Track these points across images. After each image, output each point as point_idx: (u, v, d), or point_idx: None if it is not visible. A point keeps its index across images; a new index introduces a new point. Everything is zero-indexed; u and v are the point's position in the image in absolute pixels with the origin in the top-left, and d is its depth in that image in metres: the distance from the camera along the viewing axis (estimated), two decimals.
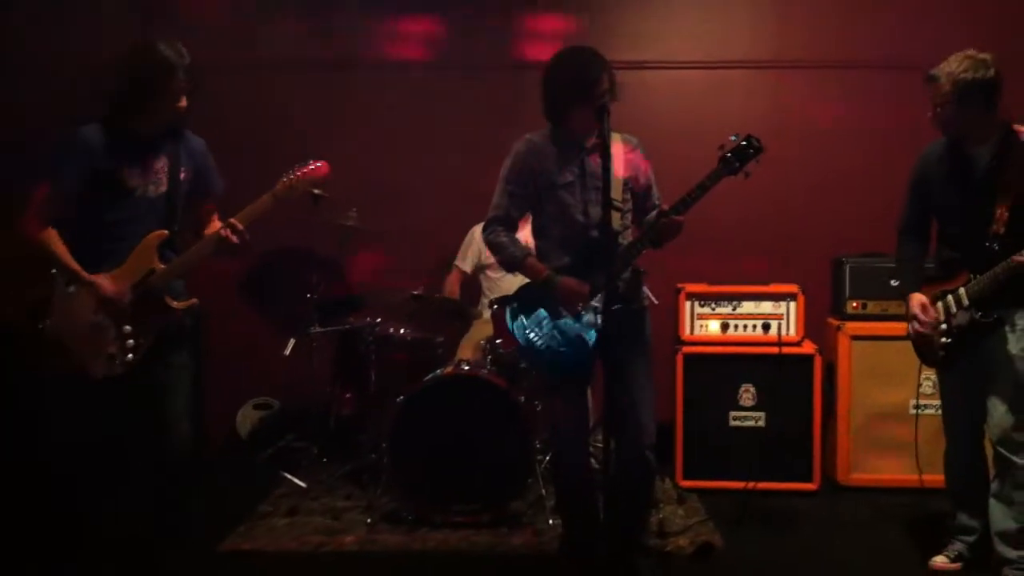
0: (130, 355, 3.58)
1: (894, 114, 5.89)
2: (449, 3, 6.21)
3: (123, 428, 3.68)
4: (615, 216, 3.61)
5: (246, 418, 6.11)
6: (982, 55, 3.73)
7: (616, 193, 3.65)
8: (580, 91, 3.61)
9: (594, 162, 3.70)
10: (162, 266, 3.64)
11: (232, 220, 3.64)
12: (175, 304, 3.68)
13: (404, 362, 5.10)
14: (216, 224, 3.84)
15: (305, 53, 6.13)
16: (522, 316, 3.79)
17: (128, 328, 3.58)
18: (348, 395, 5.44)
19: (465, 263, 5.61)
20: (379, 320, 5.22)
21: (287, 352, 5.35)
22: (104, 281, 3.55)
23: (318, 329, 5.37)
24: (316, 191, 5.18)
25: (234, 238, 3.63)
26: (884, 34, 6.04)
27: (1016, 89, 3.89)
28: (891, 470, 5.19)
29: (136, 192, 3.60)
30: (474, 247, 5.55)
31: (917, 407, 4.91)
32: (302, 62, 6.11)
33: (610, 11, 6.15)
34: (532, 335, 3.74)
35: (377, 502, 4.81)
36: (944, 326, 3.89)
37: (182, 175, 3.72)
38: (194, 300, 3.75)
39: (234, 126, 5.93)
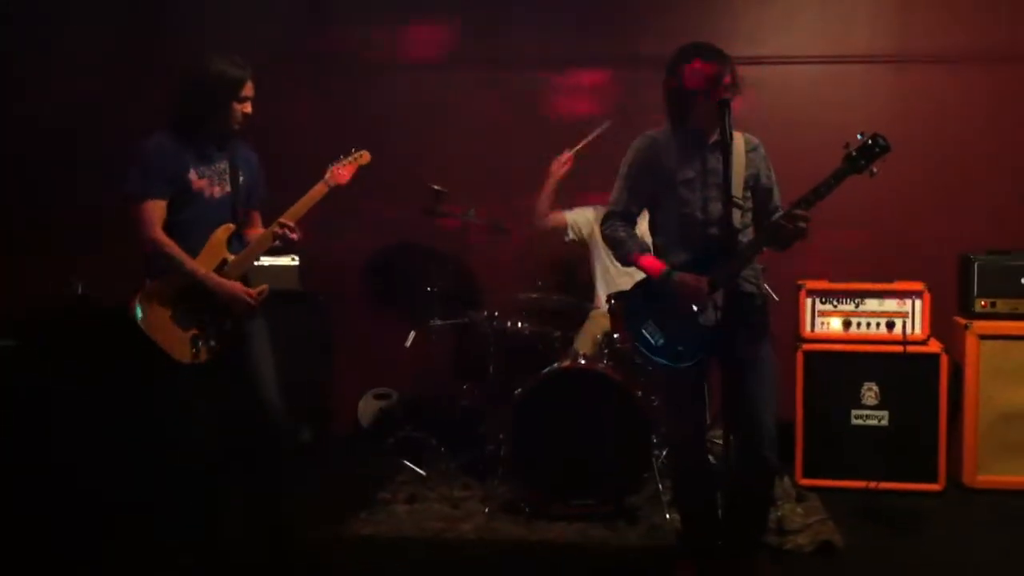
0: (212, 342, 3.78)
1: (1017, 109, 5.72)
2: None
3: (218, 414, 3.89)
4: (735, 214, 3.59)
5: (367, 408, 6.27)
6: None
7: (736, 191, 3.62)
8: (703, 87, 3.60)
9: (715, 159, 3.69)
10: (233, 257, 3.87)
11: (283, 219, 3.85)
12: (250, 292, 3.88)
13: (522, 355, 5.16)
14: (258, 226, 4.08)
15: (415, 52, 6.26)
16: (637, 311, 3.80)
17: (209, 317, 3.80)
18: (467, 387, 5.53)
19: (575, 221, 5.55)
20: (497, 313, 5.29)
21: (408, 344, 5.46)
22: (215, 278, 3.80)
23: (438, 322, 5.47)
24: (436, 187, 5.31)
25: (292, 235, 3.83)
26: (1008, 26, 5.84)
27: None
28: (1020, 472, 5.05)
29: (204, 193, 3.84)
30: (580, 218, 5.53)
31: None
32: (404, 62, 6.24)
33: (727, 6, 6.10)
34: (648, 331, 3.75)
35: (495, 492, 4.89)
36: None
37: (241, 179, 3.96)
38: (264, 286, 3.95)
39: (350, 122, 6.11)
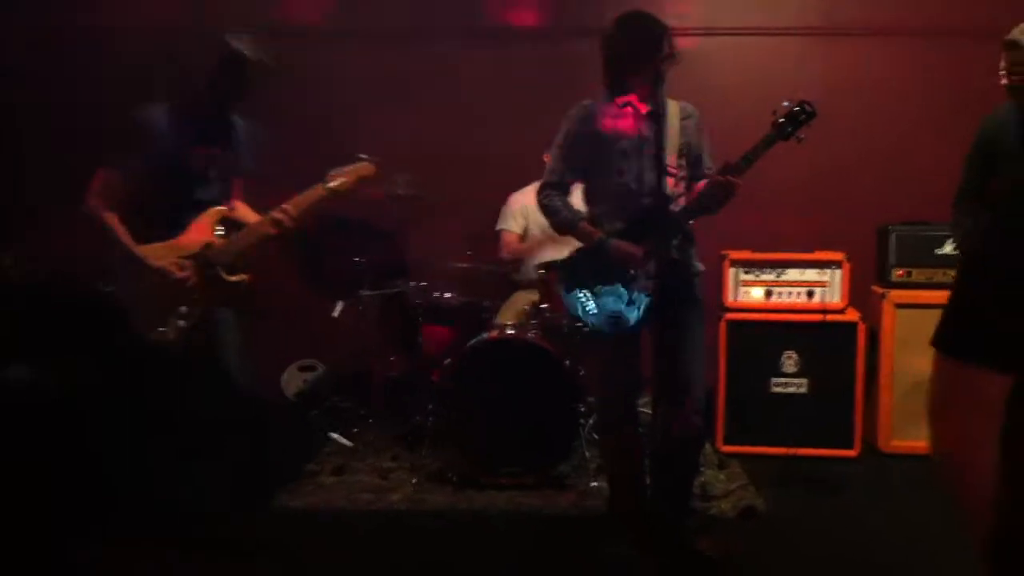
0: (182, 322, 3.70)
1: (943, 82, 5.86)
2: None
3: (183, 394, 3.82)
4: (669, 182, 3.63)
5: (291, 379, 6.22)
6: None
7: (670, 160, 3.67)
8: (643, 56, 3.62)
9: (649, 127, 3.72)
10: (220, 241, 3.78)
11: (286, 206, 3.78)
12: (229, 278, 3.80)
13: (451, 326, 5.16)
14: (243, 207, 4.02)
15: (356, 23, 6.16)
16: (574, 280, 3.82)
17: (182, 297, 3.72)
18: (394, 358, 5.52)
19: (515, 225, 5.63)
20: (425, 284, 5.28)
21: (335, 314, 5.43)
22: (151, 253, 3.71)
23: (366, 292, 5.44)
24: (362, 156, 5.25)
25: (288, 223, 3.77)
26: (933, 2, 5.97)
27: None
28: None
29: (198, 175, 3.77)
30: (519, 210, 5.58)
31: None
32: (351, 32, 6.14)
33: None
34: (584, 298, 3.77)
35: (423, 463, 4.90)
36: None
37: (233, 158, 3.90)
38: (245, 276, 3.89)
39: (283, 98, 5.99)
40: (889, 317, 5.27)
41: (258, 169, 4.04)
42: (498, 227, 5.67)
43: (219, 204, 3.86)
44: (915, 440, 5.24)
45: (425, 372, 5.15)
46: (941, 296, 5.01)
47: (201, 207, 3.80)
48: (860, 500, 4.70)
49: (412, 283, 5.32)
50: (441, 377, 4.76)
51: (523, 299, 5.29)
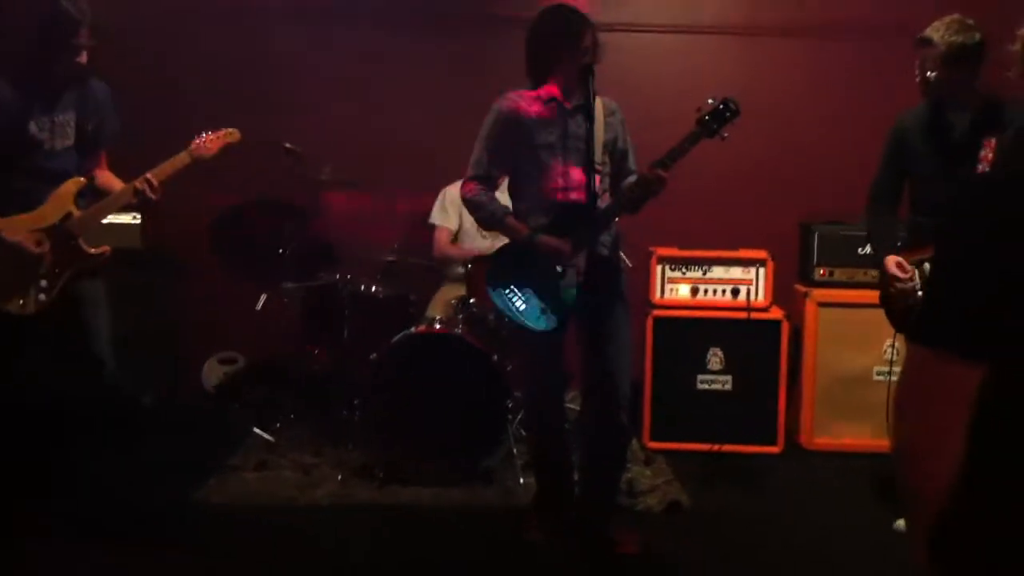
0: (42, 295, 3.68)
1: (863, 81, 5.95)
2: None
3: (48, 369, 3.79)
4: (595, 178, 3.62)
5: (211, 372, 6.09)
6: (969, 20, 3.79)
7: (596, 155, 3.66)
8: (565, 48, 3.61)
9: (575, 123, 3.71)
10: (79, 212, 3.77)
11: (148, 175, 3.74)
12: (90, 250, 3.76)
13: (377, 319, 5.10)
14: (107, 175, 3.96)
15: (284, 2, 6.06)
16: (500, 275, 3.79)
17: (40, 270, 3.69)
18: (318, 351, 5.43)
19: (449, 221, 5.57)
20: (351, 276, 5.21)
21: (259, 307, 5.33)
22: (5, 226, 3.66)
23: (290, 284, 5.35)
24: (288, 145, 5.17)
25: (151, 193, 3.73)
26: (855, 3, 6.06)
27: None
28: (853, 435, 5.30)
29: (44, 145, 3.72)
30: (452, 205, 5.53)
31: (886, 373, 5.01)
32: (273, 11, 6.03)
33: None
34: (510, 294, 3.75)
35: (347, 457, 4.84)
36: (920, 292, 3.94)
37: (89, 127, 3.84)
38: (106, 248, 3.86)
39: (195, 74, 5.89)
40: (812, 315, 5.34)
41: (122, 136, 4.00)
42: (431, 221, 5.61)
43: (78, 174, 3.80)
44: (836, 437, 5.34)
45: (350, 366, 5.07)
46: (863, 295, 5.23)
47: (58, 178, 3.74)
48: (783, 495, 4.75)
49: (338, 275, 5.24)
50: (366, 371, 4.69)
51: (451, 292, 5.25)
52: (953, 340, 1.52)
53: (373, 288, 5.17)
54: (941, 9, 3.89)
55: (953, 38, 3.75)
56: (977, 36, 3.76)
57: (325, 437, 5.21)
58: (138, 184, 3.75)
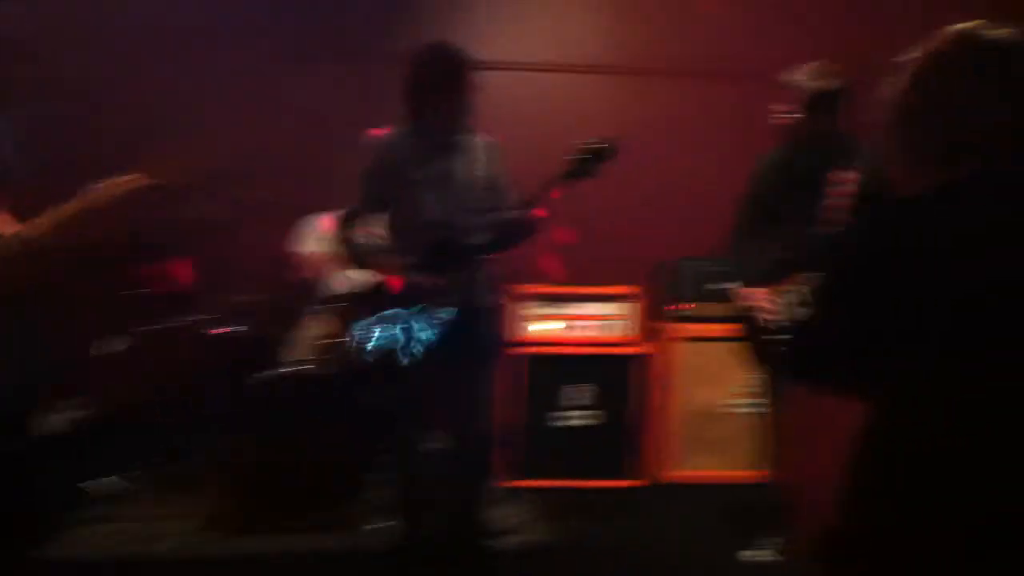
0: None
1: (726, 121, 6.06)
2: None
3: None
4: (469, 215, 3.58)
5: (56, 419, 5.74)
6: (833, 65, 3.92)
7: (472, 192, 3.63)
8: (444, 85, 3.56)
9: (451, 160, 3.66)
10: None
11: (38, 221, 3.46)
12: None
13: (236, 360, 4.89)
14: (6, 214, 3.68)
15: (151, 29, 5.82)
16: (367, 312, 3.70)
17: None
18: (170, 395, 5.17)
19: (310, 247, 5.38)
20: (207, 317, 4.98)
21: (106, 351, 5.04)
22: None
23: (143, 328, 5.08)
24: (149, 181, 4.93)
25: (39, 242, 3.46)
26: (719, 43, 6.18)
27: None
28: (713, 467, 5.36)
29: None
30: (318, 235, 5.35)
31: (744, 405, 5.10)
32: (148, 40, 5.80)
33: (456, 10, 6.09)
34: (377, 332, 3.66)
35: (201, 507, 4.61)
36: (785, 324, 3.98)
37: None
38: None
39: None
40: (674, 350, 5.39)
41: (27, 172, 3.70)
42: (297, 250, 5.41)
43: None
44: (698, 470, 5.38)
45: (206, 410, 4.85)
46: (724, 330, 5.27)
47: None
48: (648, 529, 4.79)
49: (194, 315, 5.01)
50: (225, 414, 4.49)
51: (314, 330, 5.08)
52: (833, 375, 1.53)
53: (232, 327, 4.96)
54: (809, 55, 4.00)
55: (813, 83, 3.88)
56: (837, 83, 3.89)
57: (178, 485, 4.95)
58: (25, 231, 3.45)
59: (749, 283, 4.17)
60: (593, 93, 6.19)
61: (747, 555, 4.24)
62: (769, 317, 4.03)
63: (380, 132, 3.77)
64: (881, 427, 1.54)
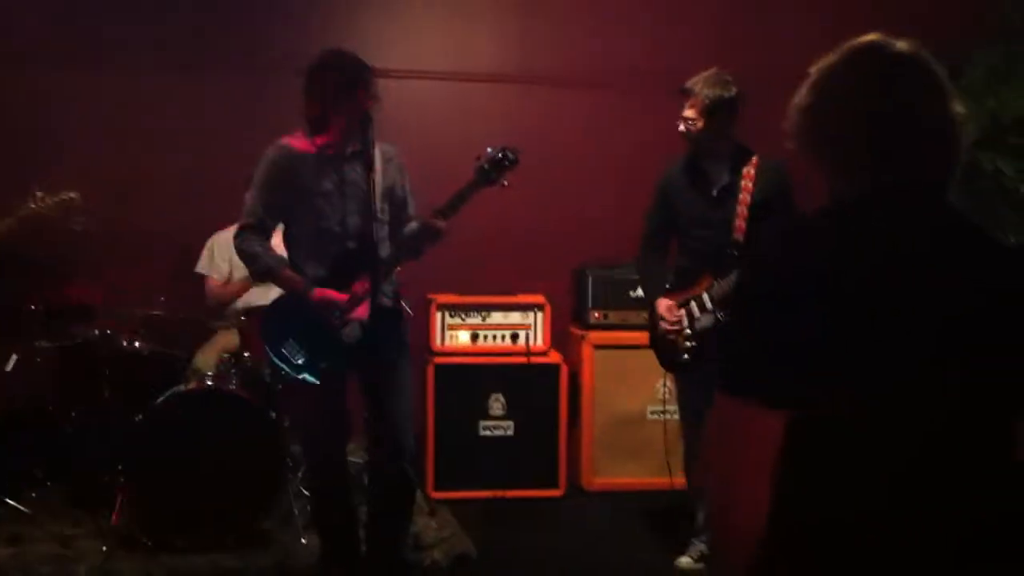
0: None
1: (633, 129, 6.12)
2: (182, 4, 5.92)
3: None
4: (373, 226, 3.55)
5: None
6: (728, 74, 4.01)
7: (375, 203, 3.59)
8: (344, 94, 3.52)
9: (353, 170, 3.63)
10: None
11: None
12: None
13: (140, 377, 4.79)
14: None
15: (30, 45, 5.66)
16: (277, 328, 3.66)
17: None
18: (76, 413, 5.04)
19: (217, 271, 5.29)
20: (111, 332, 4.87)
21: (9, 368, 4.90)
22: None
23: (44, 343, 4.96)
24: (38, 193, 4.80)
25: None
26: (623, 53, 6.25)
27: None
28: (630, 474, 5.40)
29: None
30: (221, 253, 5.26)
31: (660, 412, 5.16)
32: (26, 55, 5.63)
33: (351, 16, 6.06)
34: (287, 346, 3.62)
35: (111, 527, 4.49)
36: (688, 330, 4.07)
37: None
38: None
39: None
40: (588, 358, 5.43)
41: None
42: (199, 270, 5.32)
43: None
44: (615, 476, 5.42)
45: (111, 428, 4.73)
46: (636, 337, 5.33)
47: None
48: (567, 538, 4.81)
49: (96, 331, 4.89)
50: (130, 432, 4.39)
51: (222, 343, 5.02)
52: (756, 389, 1.55)
53: (136, 344, 4.85)
54: (708, 61, 4.08)
55: (712, 90, 3.95)
56: (734, 90, 3.98)
57: (85, 505, 4.81)
58: None
59: (654, 292, 4.26)
60: (493, 101, 6.20)
61: (683, 562, 4.27)
62: (668, 327, 4.12)
63: (279, 142, 3.70)
64: (803, 435, 1.57)
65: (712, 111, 3.97)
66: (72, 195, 3.64)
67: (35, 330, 4.98)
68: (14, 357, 4.93)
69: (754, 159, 4.05)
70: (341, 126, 3.59)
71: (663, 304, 4.16)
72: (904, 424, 1.53)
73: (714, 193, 4.10)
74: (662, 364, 4.32)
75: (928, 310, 1.53)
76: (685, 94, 4.02)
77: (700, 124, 4.00)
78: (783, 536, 1.59)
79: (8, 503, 4.79)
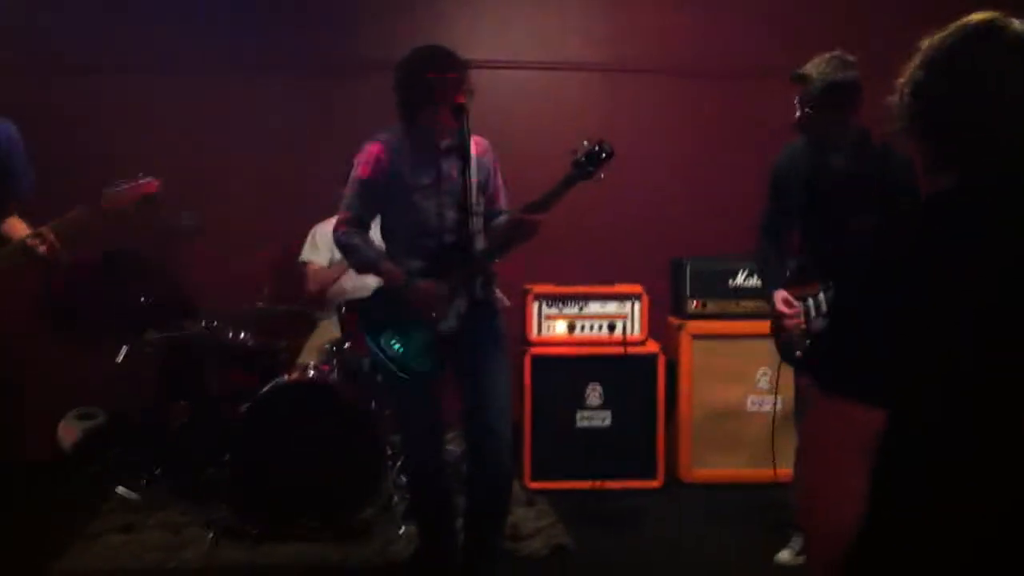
0: None
1: (731, 117, 6.05)
2: (271, 4, 6.02)
3: None
4: (470, 220, 3.56)
5: (69, 430, 5.75)
6: (849, 56, 3.74)
7: (470, 196, 3.60)
8: (433, 86, 3.53)
9: (449, 164, 3.64)
10: None
11: (42, 229, 3.47)
12: None
13: (244, 368, 4.90)
14: (14, 223, 3.67)
15: (127, 56, 5.83)
16: (375, 319, 3.70)
17: None
18: (184, 404, 5.17)
19: (320, 256, 5.38)
20: (217, 324, 4.99)
21: (120, 359, 5.06)
22: None
23: (153, 335, 5.10)
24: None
25: (42, 248, 3.46)
26: (719, 39, 6.16)
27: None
28: (730, 466, 5.33)
29: None
30: (324, 242, 5.34)
31: (759, 403, 5.09)
32: (120, 65, 5.81)
33: (441, 10, 6.09)
34: (385, 338, 3.65)
35: (218, 516, 4.60)
36: (805, 327, 3.92)
37: None
38: None
39: (45, 128, 5.60)
40: (686, 348, 5.37)
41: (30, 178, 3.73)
42: (302, 258, 5.42)
43: None
44: (715, 468, 5.35)
45: (218, 419, 4.86)
46: (735, 327, 5.28)
47: None
48: (666, 531, 4.74)
49: (203, 324, 5.02)
50: (236, 423, 4.49)
51: (325, 335, 5.10)
52: (853, 385, 1.51)
53: (241, 336, 4.97)
54: (808, 45, 3.91)
55: (830, 75, 3.68)
56: (855, 73, 3.70)
57: (194, 495, 4.94)
58: (29, 240, 3.45)
59: (771, 284, 4.08)
60: (584, 91, 6.18)
61: (784, 556, 4.19)
62: (786, 322, 3.97)
63: (376, 136, 3.74)
64: (900, 435, 1.53)
65: (830, 97, 3.69)
66: (148, 179, 3.69)
67: (144, 323, 5.12)
68: (124, 349, 5.08)
69: (879, 145, 3.77)
70: (433, 119, 3.60)
71: (780, 296, 3.99)
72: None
73: (829, 187, 3.87)
74: (782, 357, 4.15)
75: None
76: (799, 79, 3.75)
77: (815, 111, 3.73)
78: (879, 539, 1.55)
79: (120, 493, 4.95)
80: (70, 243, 3.58)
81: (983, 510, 1.49)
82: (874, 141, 3.81)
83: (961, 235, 1.51)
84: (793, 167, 4.02)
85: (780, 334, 4.05)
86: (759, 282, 4.47)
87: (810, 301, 3.92)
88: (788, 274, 4.07)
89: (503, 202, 3.88)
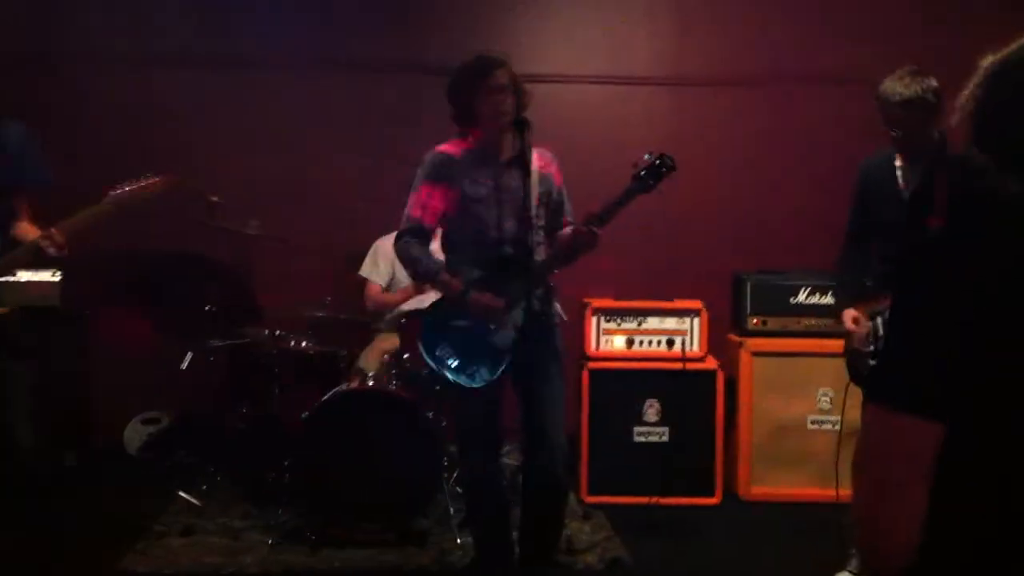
0: None
1: (793, 130, 5.99)
2: (347, 4, 6.11)
3: None
4: (530, 232, 3.58)
5: (134, 434, 5.88)
6: (920, 69, 3.68)
7: (531, 208, 3.62)
8: (477, 88, 3.57)
9: (509, 176, 3.67)
10: None
11: (53, 230, 3.55)
12: None
13: (307, 376, 4.97)
14: (26, 226, 3.76)
15: (192, 50, 5.95)
16: (434, 330, 3.72)
17: None
18: (246, 410, 5.26)
19: (379, 276, 5.44)
20: (279, 332, 5.07)
21: (184, 365, 5.15)
22: None
23: (217, 342, 5.19)
24: (213, 198, 5.04)
25: (51, 249, 3.54)
26: (786, 51, 6.11)
27: None
28: (790, 484, 5.27)
29: None
30: (385, 258, 5.40)
31: (820, 422, 5.05)
32: (190, 59, 5.93)
33: (508, 21, 6.13)
34: (444, 349, 3.68)
35: (278, 521, 4.67)
36: (872, 347, 3.85)
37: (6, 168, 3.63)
38: (5, 309, 3.63)
39: (113, 124, 5.76)
40: (746, 365, 5.33)
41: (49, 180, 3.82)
42: (362, 273, 5.48)
43: None
44: (774, 487, 5.30)
45: (279, 425, 4.93)
46: (796, 344, 5.24)
47: None
48: (723, 548, 4.71)
49: (266, 331, 5.09)
50: (296, 430, 4.55)
51: (385, 344, 5.15)
52: (910, 399, 1.50)
53: (303, 344, 5.04)
54: (866, 59, 3.88)
55: (900, 90, 3.64)
56: (925, 85, 3.64)
57: (254, 499, 5.03)
58: (40, 240, 3.54)
59: (844, 301, 4.03)
60: (646, 104, 6.17)
61: None
62: (857, 342, 3.91)
63: (436, 149, 3.77)
64: (958, 455, 1.51)
65: (903, 111, 3.63)
66: (154, 178, 3.76)
67: (209, 329, 5.21)
68: (189, 355, 5.17)
69: (955, 156, 3.73)
70: (486, 126, 3.62)
71: (848, 315, 3.92)
72: None
73: (908, 197, 3.82)
74: (849, 376, 4.08)
75: None
76: (879, 97, 3.69)
77: (899, 125, 3.67)
78: (942, 557, 1.53)
79: (183, 496, 5.04)
80: (80, 242, 3.67)
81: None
82: (952, 151, 3.75)
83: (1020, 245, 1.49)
84: (872, 177, 3.98)
85: (849, 355, 4.00)
86: (821, 299, 4.39)
87: (879, 319, 3.85)
88: (868, 288, 3.98)
89: (567, 214, 3.89)
